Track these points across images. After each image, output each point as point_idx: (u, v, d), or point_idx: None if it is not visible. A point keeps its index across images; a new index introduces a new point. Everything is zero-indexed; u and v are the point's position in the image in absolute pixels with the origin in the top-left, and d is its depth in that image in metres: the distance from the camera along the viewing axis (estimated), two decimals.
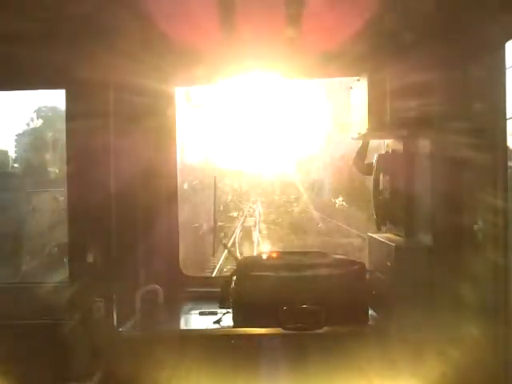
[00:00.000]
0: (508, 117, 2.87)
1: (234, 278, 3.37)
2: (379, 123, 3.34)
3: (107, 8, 2.93)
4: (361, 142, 3.86)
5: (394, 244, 3.40)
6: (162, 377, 3.04)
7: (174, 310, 3.69)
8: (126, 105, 3.40)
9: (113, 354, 3.10)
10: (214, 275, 6.74)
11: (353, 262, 3.39)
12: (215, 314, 3.45)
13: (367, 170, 3.82)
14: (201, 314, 3.50)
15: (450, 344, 2.87)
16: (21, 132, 7.64)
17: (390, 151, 3.80)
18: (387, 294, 3.35)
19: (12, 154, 7.45)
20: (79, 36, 3.14)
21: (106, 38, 3.12)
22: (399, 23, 3.12)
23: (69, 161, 3.52)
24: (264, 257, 3.52)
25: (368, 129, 3.41)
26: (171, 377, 3.04)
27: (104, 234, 3.37)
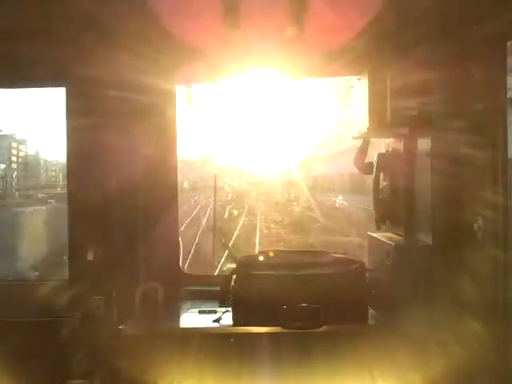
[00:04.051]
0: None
1: (234, 276, 3.37)
2: (380, 122, 3.34)
3: (108, 5, 2.92)
4: (361, 140, 3.86)
5: (393, 243, 3.40)
6: (161, 375, 3.04)
7: (174, 309, 3.69)
8: (126, 103, 3.40)
9: (113, 352, 3.10)
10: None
11: (352, 261, 3.39)
12: (215, 312, 3.45)
13: (367, 168, 3.83)
14: (200, 312, 3.50)
15: (450, 342, 2.88)
16: None
17: (391, 150, 3.80)
18: (387, 292, 3.35)
19: None
20: (79, 33, 3.14)
21: (106, 36, 3.12)
22: (400, 22, 3.12)
23: (69, 159, 3.52)
24: (264, 255, 3.52)
25: (368, 128, 3.41)
26: (171, 375, 3.05)
27: (104, 232, 3.37)
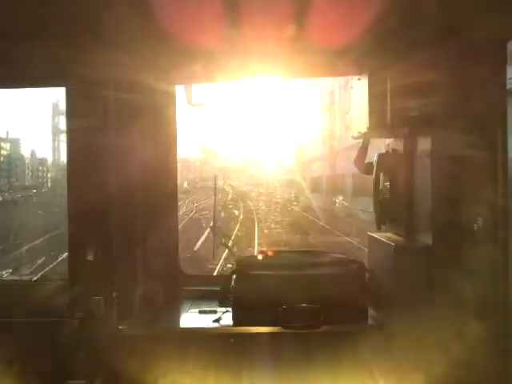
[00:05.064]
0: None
1: (234, 276, 3.37)
2: (380, 122, 3.34)
3: (108, 5, 2.92)
4: (361, 141, 3.87)
5: (393, 243, 3.40)
6: (161, 375, 3.04)
7: (174, 309, 3.69)
8: (126, 103, 3.40)
9: (113, 353, 3.10)
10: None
11: (352, 261, 3.40)
12: (215, 312, 3.45)
13: (368, 169, 3.83)
14: (200, 312, 3.50)
15: (450, 343, 2.88)
16: None
17: (391, 150, 3.80)
18: (387, 293, 3.35)
19: None
20: (79, 34, 3.14)
21: (106, 36, 3.11)
22: (400, 23, 3.12)
23: (69, 159, 3.52)
24: (263, 255, 3.52)
25: (368, 128, 3.41)
26: (171, 375, 3.05)
27: (104, 232, 3.37)
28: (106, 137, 3.34)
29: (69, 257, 3.50)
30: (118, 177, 3.38)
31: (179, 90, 3.90)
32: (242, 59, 3.50)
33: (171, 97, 3.89)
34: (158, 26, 3.03)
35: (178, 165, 4.07)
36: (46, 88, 4.10)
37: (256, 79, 3.86)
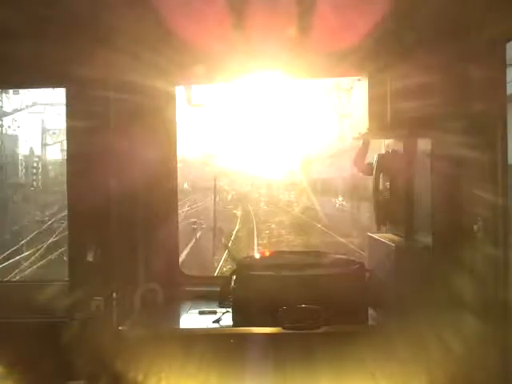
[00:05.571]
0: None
1: (234, 277, 3.37)
2: (380, 123, 3.34)
3: (108, 6, 2.93)
4: (361, 141, 3.87)
5: (393, 244, 3.40)
6: (161, 376, 3.04)
7: (174, 309, 3.69)
8: (126, 104, 3.40)
9: (113, 353, 3.10)
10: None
11: (352, 262, 3.39)
12: (215, 313, 3.45)
13: (367, 169, 3.83)
14: (200, 313, 3.50)
15: (450, 342, 2.88)
16: None
17: (390, 151, 3.80)
18: (387, 293, 3.35)
19: None
20: (80, 34, 3.14)
21: (106, 37, 3.12)
22: (400, 24, 3.12)
23: (69, 159, 3.52)
24: (264, 256, 3.52)
25: (369, 129, 3.41)
26: (170, 375, 3.05)
27: (104, 233, 3.37)
28: (106, 137, 3.35)
29: (69, 257, 3.50)
30: (118, 177, 3.38)
31: (179, 91, 3.91)
32: (243, 60, 3.51)
33: (171, 97, 3.89)
34: (159, 27, 3.04)
35: (178, 165, 4.07)
36: (46, 88, 4.10)
37: (257, 80, 3.86)
